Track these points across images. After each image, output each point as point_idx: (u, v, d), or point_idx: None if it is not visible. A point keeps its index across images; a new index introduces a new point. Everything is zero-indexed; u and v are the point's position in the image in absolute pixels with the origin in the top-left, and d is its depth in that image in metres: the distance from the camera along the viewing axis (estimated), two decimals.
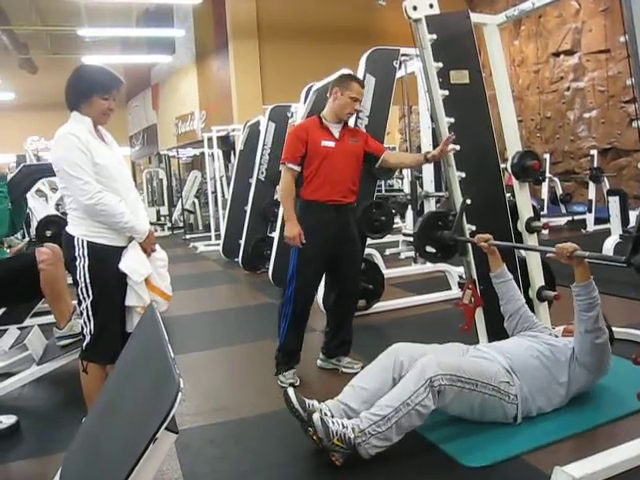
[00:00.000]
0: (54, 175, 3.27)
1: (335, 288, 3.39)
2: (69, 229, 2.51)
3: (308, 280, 3.22)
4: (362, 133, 3.49)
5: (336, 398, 2.42)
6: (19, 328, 4.01)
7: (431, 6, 3.08)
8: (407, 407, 2.18)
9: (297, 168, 3.15)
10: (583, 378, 2.55)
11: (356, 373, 3.19)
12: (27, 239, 6.69)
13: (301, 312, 3.22)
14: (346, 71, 4.00)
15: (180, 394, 1.03)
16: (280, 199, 3.33)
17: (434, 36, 3.05)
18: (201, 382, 3.36)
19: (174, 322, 3.98)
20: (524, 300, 2.93)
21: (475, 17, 3.23)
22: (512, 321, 2.88)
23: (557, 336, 2.78)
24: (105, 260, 2.48)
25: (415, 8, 3.05)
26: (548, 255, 2.59)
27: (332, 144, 3.16)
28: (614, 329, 3.40)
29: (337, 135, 3.21)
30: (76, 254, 2.45)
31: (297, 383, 3.15)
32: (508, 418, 2.43)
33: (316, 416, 2.19)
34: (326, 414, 2.28)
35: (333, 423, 2.18)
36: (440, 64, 3.07)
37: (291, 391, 2.37)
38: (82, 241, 2.45)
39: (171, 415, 1.02)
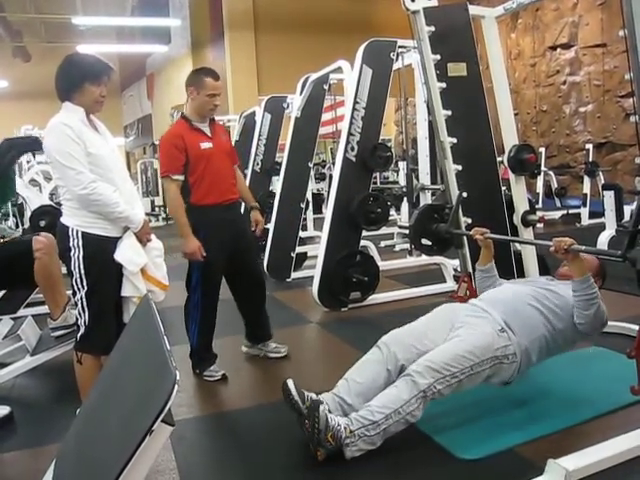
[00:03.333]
0: (38, 149, 3.28)
1: (244, 281, 3.38)
2: (63, 219, 2.49)
3: (213, 284, 3.21)
4: (226, 130, 3.49)
5: (331, 391, 2.42)
6: (13, 318, 3.98)
7: None
8: (398, 415, 2.19)
9: (182, 177, 3.08)
10: (578, 335, 2.57)
11: (283, 357, 3.35)
12: (21, 229, 6.66)
13: (210, 315, 3.25)
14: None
15: (176, 386, 1.02)
16: (171, 213, 3.21)
17: (432, 28, 3.04)
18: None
19: (168, 313, 3.96)
20: (496, 275, 2.94)
21: (473, 9, 3.22)
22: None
23: (554, 279, 2.77)
24: (100, 250, 2.47)
25: (413, 0, 3.03)
26: (551, 249, 2.56)
27: (210, 144, 3.13)
28: (608, 323, 3.43)
29: (210, 134, 3.18)
30: (71, 244, 2.44)
31: (222, 372, 3.22)
32: (513, 376, 2.44)
33: (322, 408, 2.19)
34: (328, 408, 2.29)
35: (331, 419, 2.18)
36: (438, 56, 3.06)
37: (291, 382, 2.37)
38: (77, 231, 2.44)
39: (167, 407, 1.01)
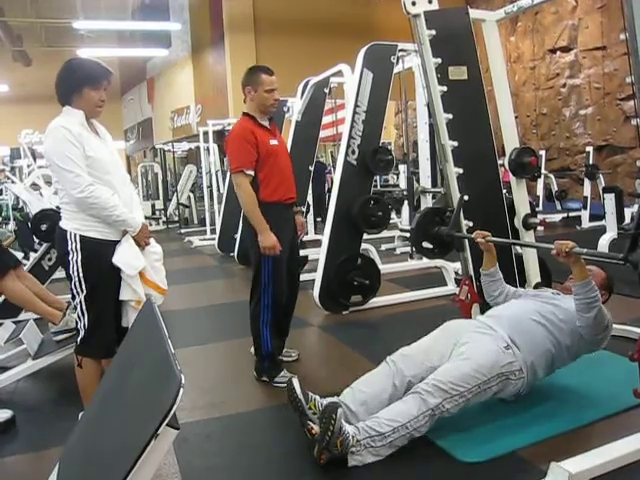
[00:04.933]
0: None
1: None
2: (62, 223, 2.49)
3: (283, 283, 3.15)
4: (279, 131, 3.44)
5: (337, 398, 2.42)
6: (14, 322, 3.99)
7: (430, 1, 3.08)
8: (405, 430, 2.20)
9: (253, 173, 3.03)
10: (584, 347, 2.58)
11: (294, 361, 3.30)
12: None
13: (282, 314, 3.19)
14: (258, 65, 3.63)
15: (182, 390, 1.02)
16: (246, 208, 3.06)
17: (433, 32, 3.04)
18: (198, 377, 3.35)
19: (169, 316, 3.97)
20: (504, 284, 2.95)
21: (474, 13, 3.23)
22: (500, 297, 2.92)
23: (559, 294, 2.78)
24: (98, 254, 2.46)
25: (414, 3, 3.04)
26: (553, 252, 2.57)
27: (276, 142, 3.13)
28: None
29: (273, 131, 3.17)
30: (69, 248, 2.43)
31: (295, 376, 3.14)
32: (521, 390, 2.46)
33: (340, 411, 2.18)
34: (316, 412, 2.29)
35: (344, 425, 2.17)
36: (439, 60, 3.07)
37: (296, 381, 2.36)
38: (75, 235, 2.43)
39: (173, 411, 1.01)
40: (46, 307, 3.27)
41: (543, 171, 10.30)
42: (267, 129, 3.12)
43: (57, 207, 4.12)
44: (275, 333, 3.16)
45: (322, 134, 6.14)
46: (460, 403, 2.28)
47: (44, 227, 4.87)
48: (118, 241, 2.52)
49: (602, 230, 6.04)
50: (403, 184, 8.41)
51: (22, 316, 4.18)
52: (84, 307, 2.48)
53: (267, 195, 3.07)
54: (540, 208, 10.10)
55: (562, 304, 2.61)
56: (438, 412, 2.24)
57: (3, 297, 3.96)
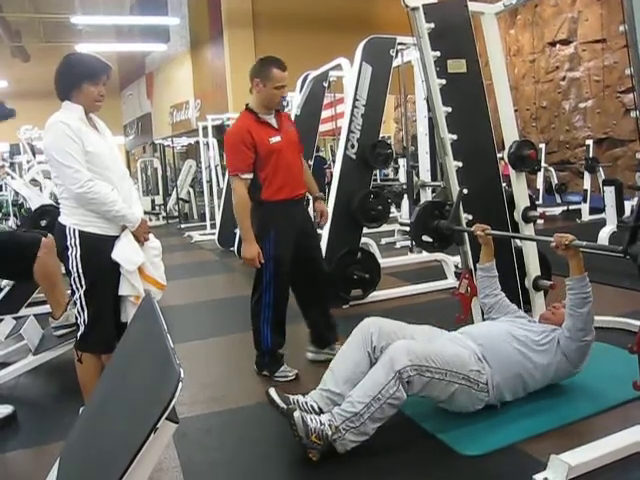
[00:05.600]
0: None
1: (309, 280, 3.26)
2: (61, 219, 2.49)
3: (285, 281, 3.13)
4: (291, 120, 3.35)
5: (318, 387, 2.44)
6: (15, 318, 3.99)
7: None
8: (378, 402, 2.18)
9: (251, 176, 2.97)
10: (563, 368, 2.55)
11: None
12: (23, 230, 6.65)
13: (282, 313, 3.17)
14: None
15: (181, 384, 1.03)
16: (236, 211, 3.02)
17: (431, 25, 3.03)
18: (198, 371, 3.36)
19: (169, 311, 3.98)
20: (503, 294, 2.93)
21: (473, 6, 3.21)
22: (490, 311, 2.90)
23: (535, 322, 2.77)
24: (97, 249, 2.46)
25: None
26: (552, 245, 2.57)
27: (279, 138, 3.00)
28: (609, 318, 3.44)
29: (277, 126, 3.05)
30: (68, 243, 2.44)
31: (296, 371, 3.15)
32: (478, 404, 2.42)
33: (297, 414, 2.19)
34: (306, 411, 2.29)
35: (311, 420, 2.18)
36: (437, 53, 3.06)
37: (273, 391, 2.38)
38: (74, 230, 2.44)
39: (172, 405, 1.01)
40: (64, 293, 3.25)
41: (543, 164, 10.28)
42: (269, 125, 3.03)
43: (57, 202, 4.13)
44: (275, 330, 3.15)
45: (321, 128, 6.12)
46: (424, 377, 2.22)
47: (44, 222, 4.88)
48: (117, 236, 2.52)
49: (602, 223, 6.04)
50: (403, 178, 8.40)
51: (23, 312, 4.19)
52: (84, 302, 2.48)
53: (270, 195, 3.02)
54: (540, 201, 10.10)
55: (536, 329, 2.62)
56: (405, 376, 2.18)
57: (4, 293, 3.97)
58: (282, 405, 2.31)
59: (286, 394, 2.39)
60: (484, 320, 2.95)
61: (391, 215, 5.84)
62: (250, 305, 3.19)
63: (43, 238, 3.18)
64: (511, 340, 2.52)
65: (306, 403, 2.36)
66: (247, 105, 3.10)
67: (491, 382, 2.42)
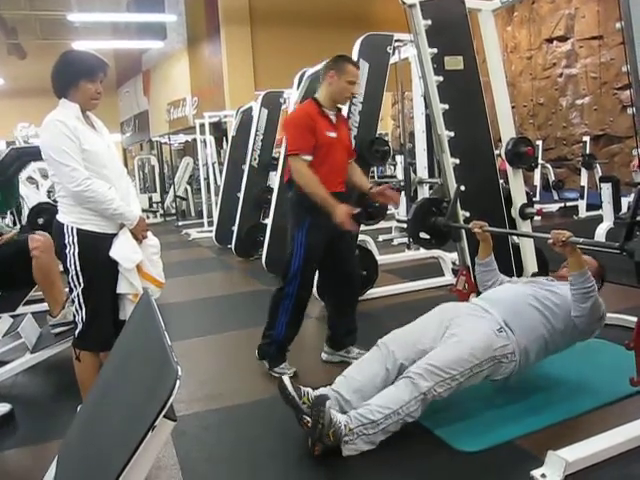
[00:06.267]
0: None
1: (335, 275, 3.24)
2: (59, 217, 2.48)
3: (311, 276, 3.13)
4: (348, 124, 3.35)
5: (329, 387, 2.43)
6: (12, 316, 3.98)
7: None
8: (397, 416, 2.20)
9: (310, 158, 2.95)
10: (579, 332, 2.56)
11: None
12: (18, 227, 6.64)
13: (303, 307, 3.14)
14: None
15: (178, 381, 1.03)
16: (310, 190, 2.94)
17: (429, 22, 3.04)
18: (196, 369, 3.36)
19: (167, 309, 3.98)
20: (501, 274, 2.94)
21: (470, 3, 3.22)
22: (494, 286, 2.90)
23: (553, 280, 2.76)
24: (95, 247, 2.46)
25: None
26: (549, 242, 2.57)
27: (334, 134, 3.02)
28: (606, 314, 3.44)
29: (335, 123, 3.08)
30: (66, 242, 2.43)
31: (294, 369, 3.14)
32: (511, 374, 2.45)
33: (329, 403, 2.18)
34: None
35: (334, 416, 2.18)
36: (435, 50, 3.06)
37: (287, 379, 2.37)
38: (72, 228, 2.43)
39: (170, 402, 1.01)
40: (62, 291, 3.25)
41: (540, 161, 10.30)
42: (329, 120, 3.04)
43: (54, 201, 4.13)
44: (292, 323, 3.12)
45: None
46: (452, 387, 2.28)
47: (41, 220, 4.87)
48: (115, 234, 2.51)
49: (599, 219, 6.05)
50: (400, 175, 8.40)
51: (20, 310, 4.18)
52: (81, 300, 2.48)
53: None
54: (537, 198, 10.11)
55: (557, 290, 2.61)
56: (430, 396, 2.23)
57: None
58: (294, 394, 2.30)
59: (299, 385, 2.37)
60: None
61: (389, 212, 5.85)
62: (273, 292, 3.17)
63: (31, 237, 3.18)
64: (534, 302, 2.53)
65: (314, 397, 2.34)
66: (313, 97, 3.11)
67: (517, 349, 2.42)
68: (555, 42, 11.07)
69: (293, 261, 3.05)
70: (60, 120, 2.37)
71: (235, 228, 7.08)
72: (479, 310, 2.55)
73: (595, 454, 2.05)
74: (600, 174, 8.49)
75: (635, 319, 2.72)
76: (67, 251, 2.44)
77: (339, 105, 3.14)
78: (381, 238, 7.50)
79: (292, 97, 5.90)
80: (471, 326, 2.46)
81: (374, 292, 4.71)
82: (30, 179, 7.89)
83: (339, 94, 3.04)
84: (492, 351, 2.36)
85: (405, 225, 5.46)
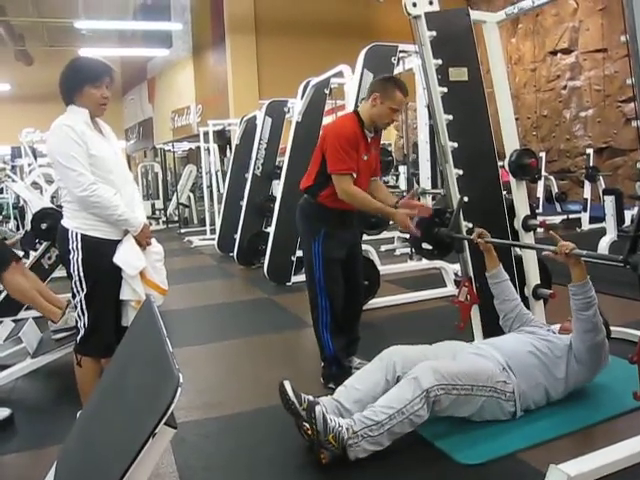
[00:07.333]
0: None
1: (345, 286, 3.16)
2: (64, 222, 2.49)
3: (339, 282, 3.07)
4: (380, 143, 3.32)
5: (330, 396, 2.42)
6: (13, 320, 4.00)
7: (431, 3, 3.07)
8: (402, 415, 2.18)
9: (355, 176, 2.91)
10: (581, 375, 2.57)
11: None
12: (22, 232, 6.66)
13: (338, 316, 3.07)
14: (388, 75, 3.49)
15: (180, 389, 1.02)
16: (366, 208, 3.00)
17: (433, 33, 3.04)
18: (196, 376, 3.35)
19: (168, 316, 3.98)
20: (519, 299, 2.93)
21: (475, 14, 3.22)
22: (507, 320, 2.90)
23: (554, 332, 2.79)
24: (99, 253, 2.46)
25: (415, 5, 3.03)
26: (544, 253, 2.60)
27: (366, 157, 2.99)
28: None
29: (369, 143, 3.03)
30: (70, 247, 2.44)
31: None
32: (506, 415, 2.44)
33: (318, 409, 2.17)
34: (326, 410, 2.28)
35: (331, 420, 2.17)
36: (439, 61, 3.06)
37: (287, 384, 2.36)
38: (76, 234, 2.44)
39: (170, 410, 1.01)
40: (46, 303, 3.27)
41: (543, 173, 10.29)
42: (366, 141, 3.00)
43: (58, 206, 4.14)
44: (335, 333, 3.05)
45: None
46: (452, 394, 2.25)
47: (44, 226, 4.87)
48: (119, 240, 2.52)
49: (602, 232, 6.04)
50: (403, 185, 8.41)
51: (21, 314, 4.18)
52: (84, 306, 2.48)
53: (329, 200, 2.96)
54: (540, 210, 10.10)
55: (556, 340, 2.63)
56: (432, 395, 2.20)
57: (3, 295, 3.97)
58: (294, 399, 2.28)
59: (299, 392, 2.35)
60: (499, 325, 2.95)
61: (391, 222, 5.84)
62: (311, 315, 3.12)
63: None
64: (534, 351, 2.54)
65: (322, 404, 2.33)
66: (356, 111, 3.07)
67: (517, 391, 2.43)
68: (559, 54, 11.10)
69: (315, 274, 3.01)
70: (68, 125, 2.38)
71: (237, 236, 7.08)
72: (483, 350, 2.58)
73: (598, 468, 2.02)
74: (603, 186, 8.48)
75: (638, 333, 2.71)
76: (71, 257, 2.44)
77: (380, 129, 3.08)
78: (383, 248, 7.50)
79: (296, 106, 5.92)
80: (476, 358, 2.50)
81: (376, 302, 4.70)
82: (34, 184, 7.91)
83: (379, 119, 2.98)
84: (494, 382, 2.37)
85: (407, 235, 5.46)
